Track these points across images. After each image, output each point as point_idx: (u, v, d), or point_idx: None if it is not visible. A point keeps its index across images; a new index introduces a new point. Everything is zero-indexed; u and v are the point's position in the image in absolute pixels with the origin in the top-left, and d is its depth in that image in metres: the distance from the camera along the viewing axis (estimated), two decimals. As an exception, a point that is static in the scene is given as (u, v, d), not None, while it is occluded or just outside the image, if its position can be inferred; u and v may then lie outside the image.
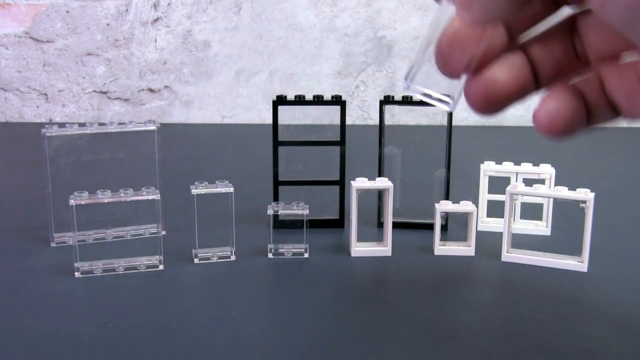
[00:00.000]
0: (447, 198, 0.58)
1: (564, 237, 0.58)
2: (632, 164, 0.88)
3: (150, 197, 0.50)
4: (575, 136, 0.26)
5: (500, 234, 0.54)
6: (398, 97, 0.59)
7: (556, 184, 0.57)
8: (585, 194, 0.50)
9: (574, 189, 0.51)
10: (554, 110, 0.26)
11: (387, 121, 0.59)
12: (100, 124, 0.56)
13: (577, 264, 0.50)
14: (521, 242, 0.56)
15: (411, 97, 0.59)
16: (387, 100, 0.59)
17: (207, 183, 0.52)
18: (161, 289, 0.49)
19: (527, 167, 0.59)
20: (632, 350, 0.40)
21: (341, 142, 0.59)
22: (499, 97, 0.26)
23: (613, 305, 0.46)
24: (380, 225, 0.58)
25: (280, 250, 0.54)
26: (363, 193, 0.54)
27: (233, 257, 0.53)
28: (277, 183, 0.60)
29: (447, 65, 0.25)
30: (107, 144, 0.57)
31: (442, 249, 0.54)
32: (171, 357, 0.39)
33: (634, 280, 0.50)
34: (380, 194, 0.56)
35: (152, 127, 0.57)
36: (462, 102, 0.26)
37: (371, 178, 0.55)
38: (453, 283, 0.50)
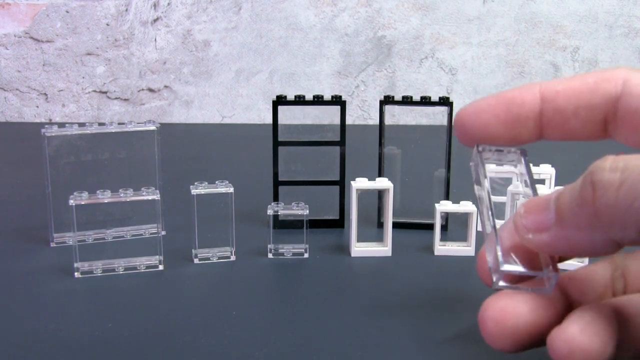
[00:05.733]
0: (447, 198, 0.58)
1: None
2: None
3: (150, 197, 0.50)
4: None
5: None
6: (398, 97, 0.59)
7: (556, 184, 0.57)
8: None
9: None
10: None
11: (387, 121, 0.59)
12: (100, 124, 0.56)
13: (577, 263, 0.50)
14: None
15: (411, 97, 0.59)
16: (387, 100, 0.59)
17: (207, 183, 0.52)
18: (161, 289, 0.49)
19: (527, 167, 0.58)
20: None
21: (341, 142, 0.59)
22: None
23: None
24: (380, 225, 0.58)
25: (280, 251, 0.54)
26: (363, 193, 0.54)
27: (233, 257, 0.53)
28: (277, 183, 0.60)
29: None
30: (107, 144, 0.57)
31: (442, 249, 0.54)
32: (171, 357, 0.39)
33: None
34: (380, 194, 0.56)
35: (152, 127, 0.57)
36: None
37: (371, 178, 0.55)
38: (453, 283, 0.50)
